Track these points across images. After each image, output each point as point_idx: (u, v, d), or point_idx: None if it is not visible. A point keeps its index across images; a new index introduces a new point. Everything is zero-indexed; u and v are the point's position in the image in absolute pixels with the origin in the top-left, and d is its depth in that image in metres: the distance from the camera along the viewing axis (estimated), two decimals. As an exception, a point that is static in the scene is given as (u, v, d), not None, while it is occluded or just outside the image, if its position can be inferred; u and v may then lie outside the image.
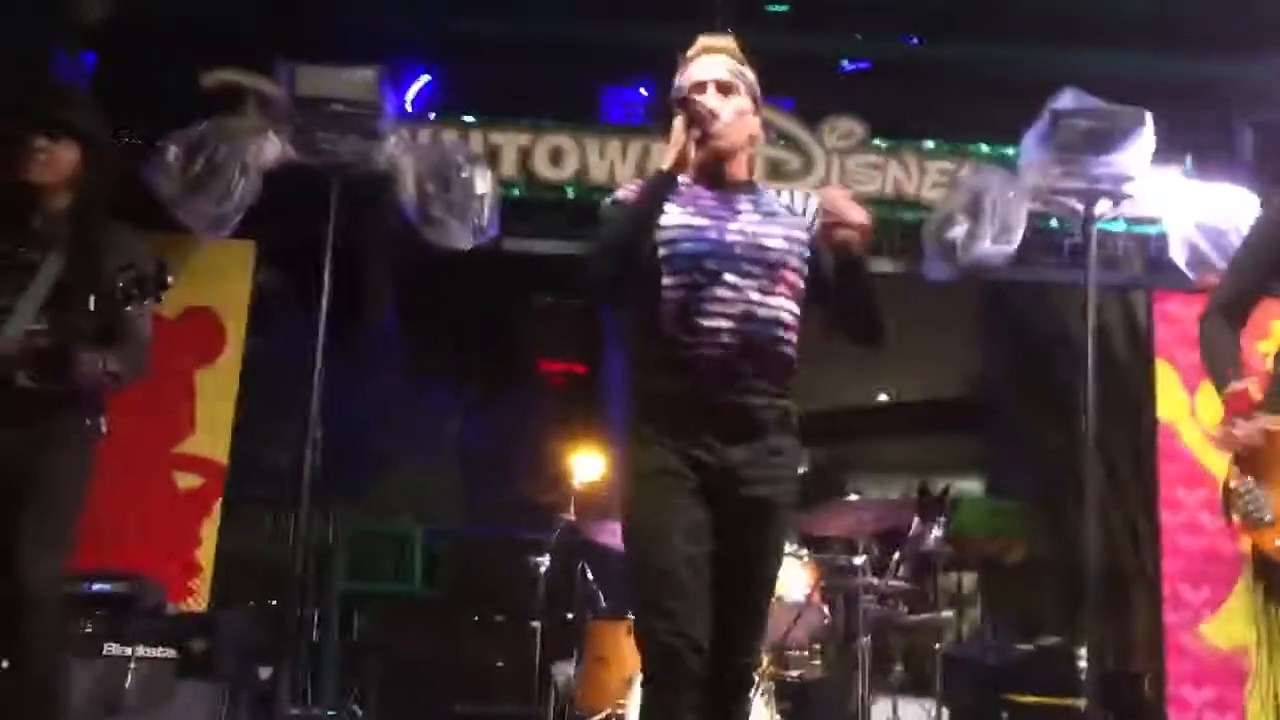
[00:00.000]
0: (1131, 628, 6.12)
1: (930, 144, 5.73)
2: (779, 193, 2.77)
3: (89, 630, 4.27)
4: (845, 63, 6.17)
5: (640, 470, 2.56)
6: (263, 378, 6.23)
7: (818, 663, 4.70)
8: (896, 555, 5.08)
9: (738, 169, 2.72)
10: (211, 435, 5.57)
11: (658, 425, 2.56)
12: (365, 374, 7.89)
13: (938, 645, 5.04)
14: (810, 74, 6.08)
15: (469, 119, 5.74)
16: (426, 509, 7.54)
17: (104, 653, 4.23)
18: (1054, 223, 5.59)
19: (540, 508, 5.81)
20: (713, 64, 2.71)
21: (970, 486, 9.99)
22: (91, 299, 2.85)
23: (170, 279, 2.97)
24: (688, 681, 2.38)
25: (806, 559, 4.82)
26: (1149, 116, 4.90)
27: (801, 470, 2.69)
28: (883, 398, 12.35)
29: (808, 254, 2.66)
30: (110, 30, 5.63)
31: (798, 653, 4.66)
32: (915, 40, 6.16)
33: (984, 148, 5.73)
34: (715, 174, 2.68)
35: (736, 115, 2.67)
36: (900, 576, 5.02)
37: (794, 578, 4.70)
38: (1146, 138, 4.90)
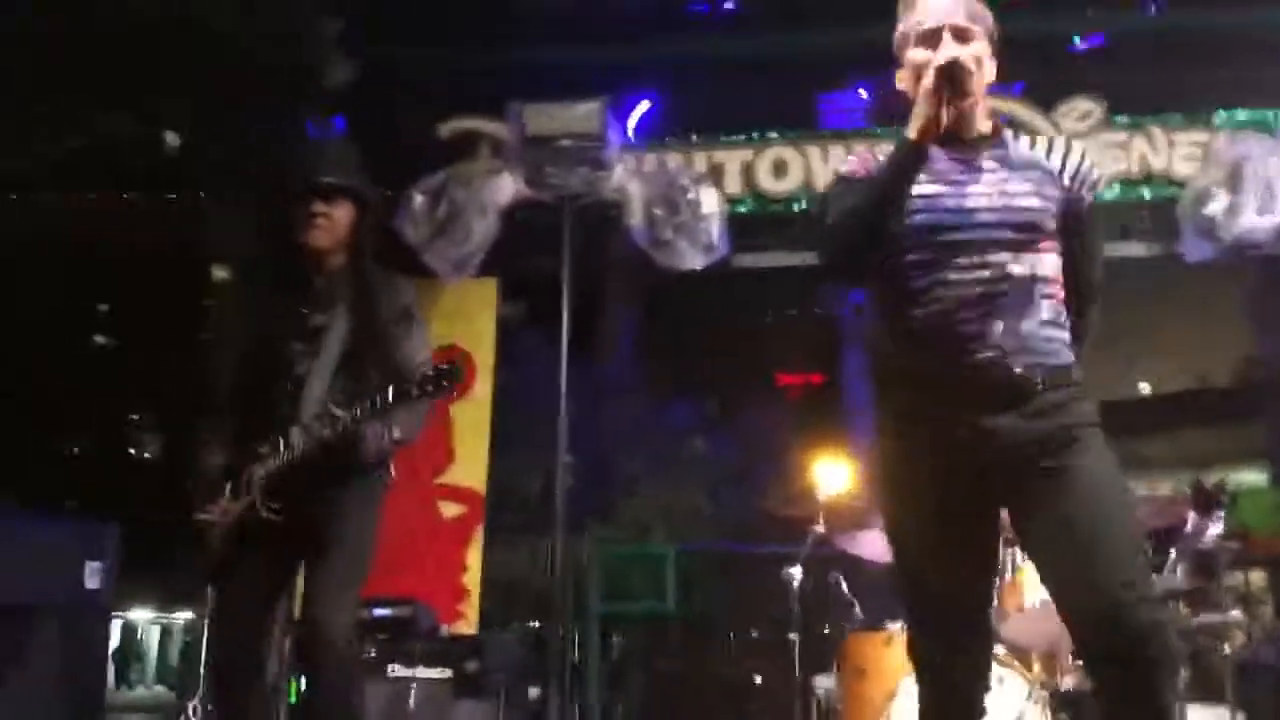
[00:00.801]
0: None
1: (1178, 116, 5.39)
2: (1032, 144, 2.42)
3: (372, 653, 4.54)
4: (1077, 40, 5.89)
5: (889, 464, 2.40)
6: (512, 408, 6.48)
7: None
8: (1172, 554, 4.77)
9: (979, 122, 2.38)
10: (469, 465, 5.85)
11: (905, 412, 2.36)
12: (609, 398, 8.10)
13: (1226, 649, 4.69)
14: (1039, 55, 5.84)
15: (691, 140, 5.81)
16: (676, 527, 7.64)
17: (388, 674, 4.49)
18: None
19: (788, 521, 5.78)
20: (942, 6, 2.36)
21: (1251, 478, 9.28)
22: (389, 391, 2.91)
23: (460, 379, 2.99)
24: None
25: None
26: None
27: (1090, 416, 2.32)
28: (1144, 389, 11.66)
29: (1062, 209, 2.36)
30: (353, 94, 6.03)
31: (1071, 660, 4.43)
32: (1153, 9, 5.82)
33: (1239, 114, 5.34)
34: (955, 132, 2.33)
35: (977, 64, 2.31)
36: (1179, 577, 4.71)
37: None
38: None
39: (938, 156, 2.33)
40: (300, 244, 3.16)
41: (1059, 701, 4.31)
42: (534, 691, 5.38)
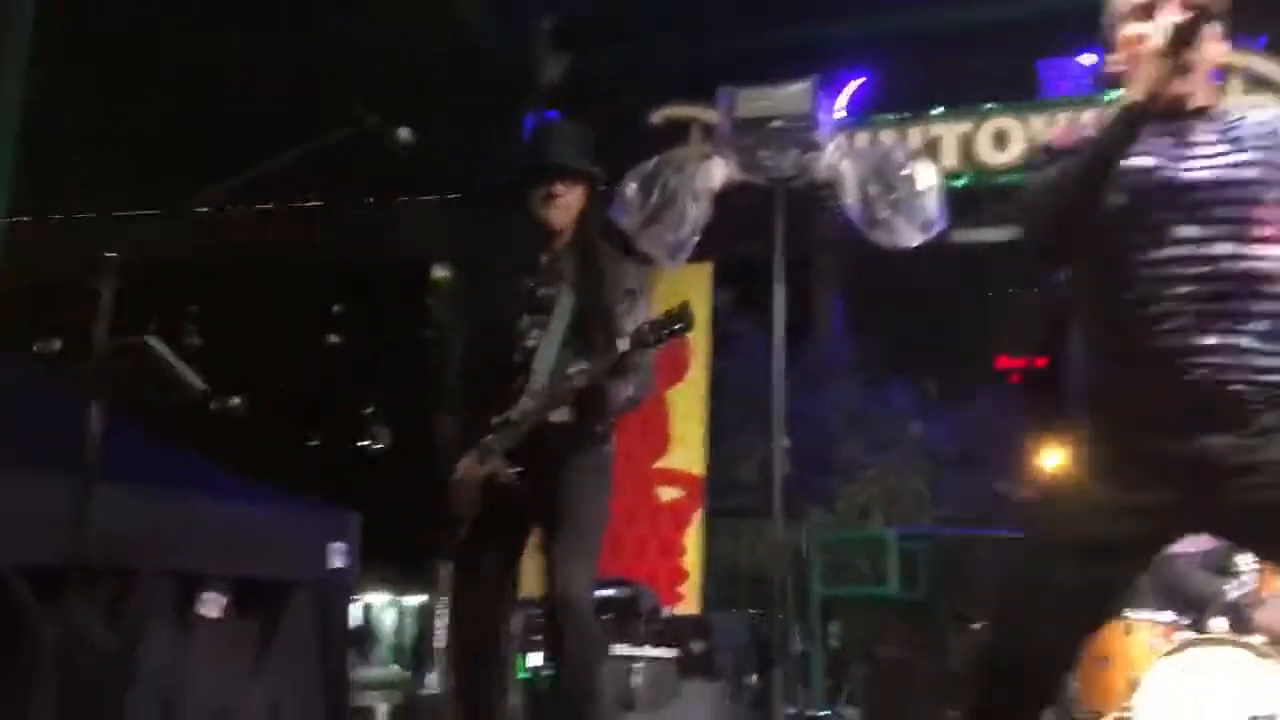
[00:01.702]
0: None
1: None
2: (1255, 113, 2.20)
3: (601, 631, 4.63)
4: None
5: (1085, 474, 2.19)
6: (729, 392, 6.49)
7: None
8: None
9: (1199, 95, 2.18)
10: (686, 450, 5.91)
11: (1108, 420, 2.16)
12: (825, 381, 8.01)
13: None
14: (1285, 5, 5.42)
15: (906, 115, 5.68)
16: (896, 511, 7.49)
17: (614, 653, 4.58)
18: None
19: (1016, 504, 5.59)
20: None
21: None
22: (621, 342, 3.02)
23: (692, 321, 3.07)
24: None
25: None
26: None
27: None
28: None
29: None
30: (568, 87, 6.17)
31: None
32: None
33: None
34: (1171, 104, 2.13)
35: (1210, 33, 2.16)
36: None
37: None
38: None
39: (1148, 130, 2.10)
40: (536, 223, 3.25)
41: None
42: (753, 678, 5.38)
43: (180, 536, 4.14)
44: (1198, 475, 2.05)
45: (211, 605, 4.26)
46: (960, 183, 5.53)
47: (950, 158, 5.53)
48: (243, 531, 4.47)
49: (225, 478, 4.97)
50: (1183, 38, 2.04)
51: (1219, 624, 4.37)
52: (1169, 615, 4.42)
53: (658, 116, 5.79)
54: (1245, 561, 4.45)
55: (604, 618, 4.73)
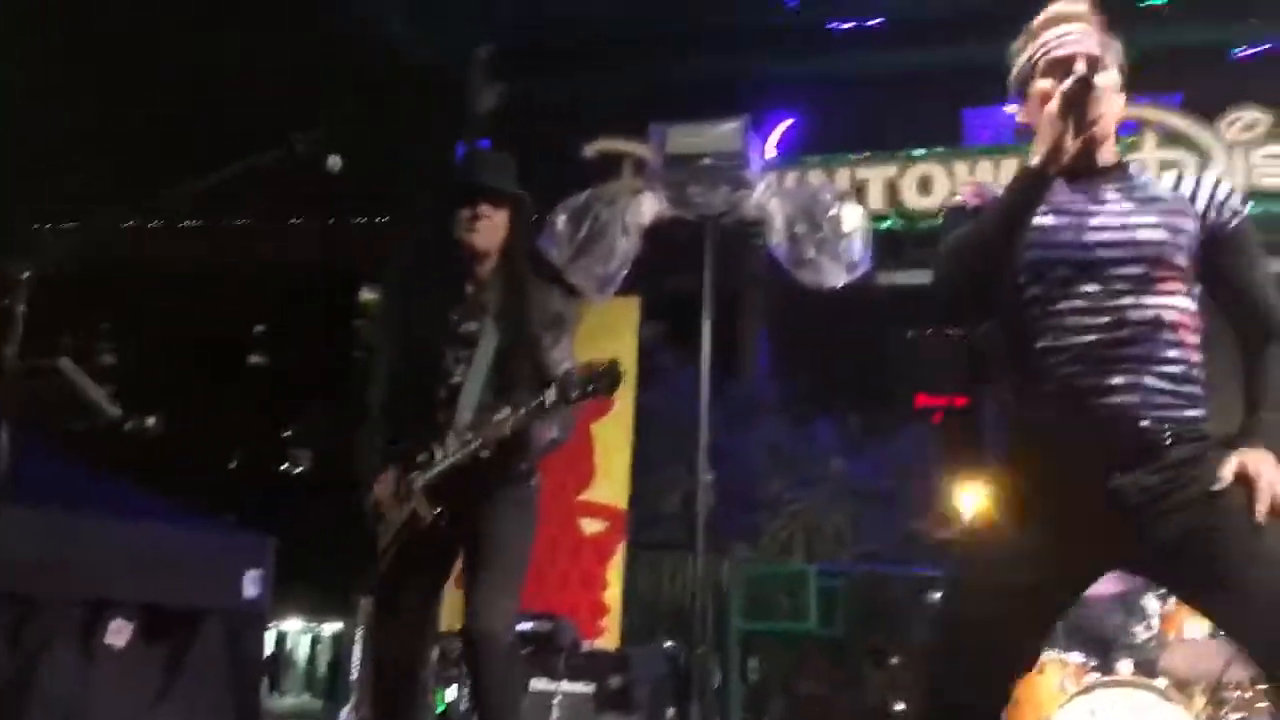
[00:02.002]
0: None
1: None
2: (1160, 177, 2.29)
3: (518, 666, 4.60)
4: (1239, 49, 5.66)
5: (1006, 516, 2.24)
6: (655, 426, 6.51)
7: (1262, 705, 4.23)
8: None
9: (1105, 153, 2.26)
10: (611, 483, 5.90)
11: (1025, 462, 2.22)
12: (750, 417, 8.08)
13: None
14: (1198, 65, 5.64)
15: (834, 157, 5.78)
16: (818, 547, 7.56)
17: (531, 688, 4.55)
18: None
19: (932, 544, 5.67)
20: (1072, 34, 2.25)
21: None
22: (549, 393, 2.99)
23: (620, 381, 3.04)
24: None
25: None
26: None
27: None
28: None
29: (1197, 246, 2.20)
30: (501, 116, 6.18)
31: (1236, 694, 4.22)
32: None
33: None
34: (1078, 163, 2.19)
35: (1111, 92, 2.22)
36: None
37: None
38: None
39: (1057, 188, 2.19)
40: (460, 245, 3.22)
41: (1225, 737, 4.11)
42: (670, 711, 5.37)
43: (88, 562, 4.04)
44: (1111, 513, 2.11)
45: (118, 633, 4.15)
46: (885, 225, 5.63)
47: (876, 201, 5.63)
48: (154, 557, 4.38)
49: (138, 501, 4.86)
50: (1073, 100, 2.09)
51: (1126, 666, 4.46)
52: (1079, 656, 4.49)
53: (591, 150, 5.82)
54: (1153, 604, 4.54)
55: (524, 651, 4.70)
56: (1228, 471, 2.09)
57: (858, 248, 5.38)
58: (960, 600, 2.27)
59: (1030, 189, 2.12)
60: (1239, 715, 4.20)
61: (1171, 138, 5.33)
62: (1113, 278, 2.15)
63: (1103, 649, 4.76)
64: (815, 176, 5.68)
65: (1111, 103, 2.24)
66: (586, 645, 5.08)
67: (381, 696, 3.22)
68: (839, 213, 5.38)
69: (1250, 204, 5.30)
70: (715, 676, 6.15)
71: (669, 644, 6.89)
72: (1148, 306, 2.14)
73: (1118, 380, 2.11)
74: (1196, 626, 4.32)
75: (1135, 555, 2.19)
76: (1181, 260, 2.18)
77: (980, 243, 2.15)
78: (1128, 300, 2.13)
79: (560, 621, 4.89)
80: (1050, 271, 2.17)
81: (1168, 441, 2.11)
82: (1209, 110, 5.34)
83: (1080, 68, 2.13)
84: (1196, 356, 2.20)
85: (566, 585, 5.73)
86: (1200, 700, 4.23)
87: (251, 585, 4.84)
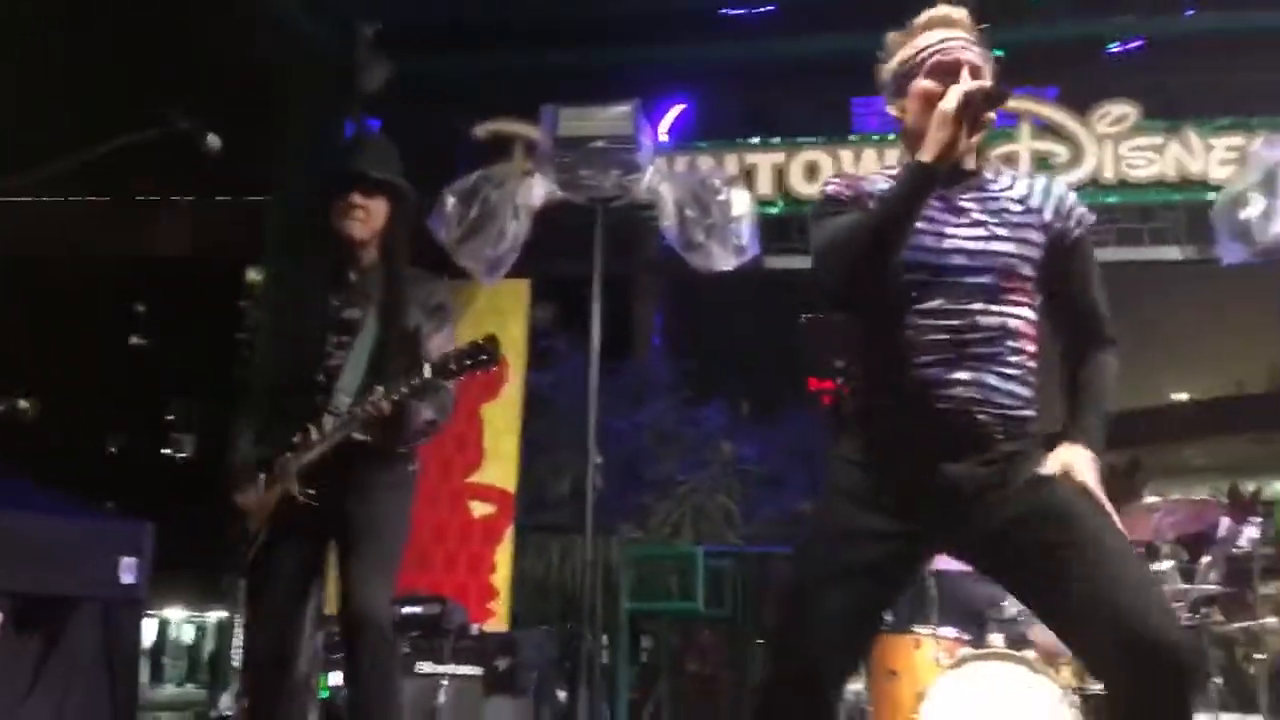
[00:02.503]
0: None
1: (1214, 120, 5.36)
2: (1012, 183, 2.38)
3: (404, 650, 4.57)
4: (1113, 45, 5.86)
5: (832, 501, 2.33)
6: (545, 408, 6.51)
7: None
8: (1206, 559, 4.74)
9: (969, 161, 2.33)
10: (500, 465, 5.89)
11: (853, 443, 2.32)
12: (641, 399, 8.13)
13: (1261, 656, 4.66)
14: (1074, 60, 5.83)
15: (723, 143, 5.83)
16: (707, 529, 7.65)
17: (418, 671, 4.53)
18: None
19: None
20: (956, 40, 2.32)
21: (1288, 486, 9.19)
22: (425, 369, 3.00)
23: (498, 358, 3.06)
24: None
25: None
26: None
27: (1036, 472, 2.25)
28: (1180, 396, 11.58)
29: (1041, 254, 2.32)
30: (390, 94, 6.08)
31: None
32: (1190, 12, 5.78)
33: (1277, 119, 5.31)
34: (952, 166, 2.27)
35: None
36: (1212, 582, 4.68)
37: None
38: None
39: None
40: (337, 235, 3.21)
41: (1089, 706, 4.29)
42: (561, 693, 5.40)
43: (-46, 549, 3.89)
44: (944, 499, 2.22)
45: (-13, 622, 4.02)
46: (773, 211, 5.70)
47: (765, 186, 5.69)
48: (25, 545, 4.23)
49: (11, 486, 4.69)
50: (973, 105, 2.16)
51: (997, 639, 4.63)
52: (952, 630, 4.64)
53: (481, 131, 5.77)
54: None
55: (411, 635, 4.68)
56: (1052, 466, 2.22)
57: (746, 232, 5.46)
58: (801, 574, 2.34)
59: (921, 186, 2.19)
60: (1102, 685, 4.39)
61: (1046, 129, 5.50)
62: (965, 285, 2.25)
63: (976, 623, 4.93)
64: (705, 162, 5.72)
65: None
66: (475, 628, 5.07)
67: (256, 684, 3.19)
68: (728, 198, 5.46)
69: (1119, 194, 5.53)
70: (603, 658, 6.19)
71: (559, 626, 6.92)
72: (994, 314, 2.25)
73: (961, 375, 2.22)
74: (1064, 601, 4.49)
75: (964, 541, 2.29)
76: (1028, 271, 2.30)
77: (865, 237, 2.21)
78: (977, 306, 2.24)
79: (448, 604, 4.87)
80: (908, 274, 2.25)
81: (999, 436, 2.23)
82: (1082, 104, 5.52)
83: (973, 79, 2.22)
84: (1032, 363, 2.31)
85: (455, 568, 5.71)
86: (1067, 671, 4.42)
87: (128, 573, 4.72)
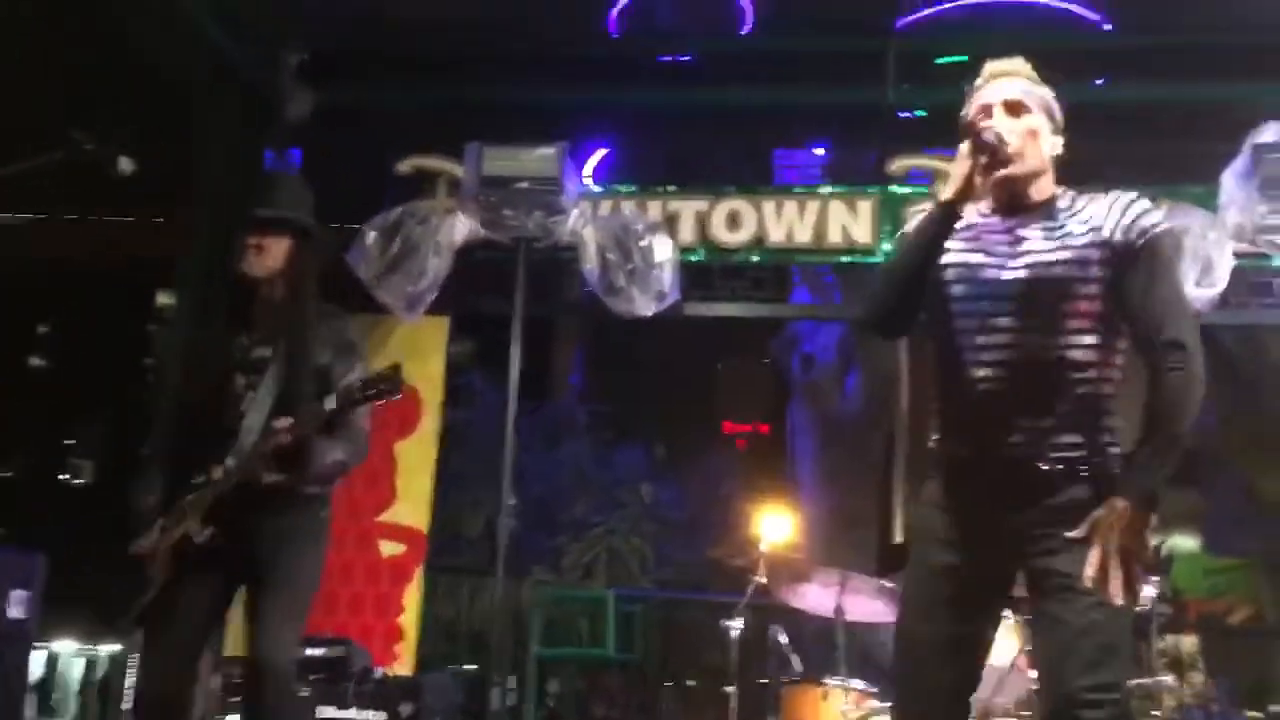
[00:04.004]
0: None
1: (1121, 188, 5.52)
2: (1082, 206, 2.38)
3: (305, 693, 4.46)
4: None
5: (912, 537, 2.41)
6: (461, 448, 6.44)
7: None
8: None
9: (1036, 193, 2.38)
10: (412, 505, 5.79)
11: (933, 488, 2.37)
12: (557, 441, 8.10)
13: (1157, 713, 4.75)
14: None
15: (647, 188, 5.86)
16: (620, 572, 7.63)
17: (318, 716, 4.42)
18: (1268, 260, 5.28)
19: (733, 570, 5.79)
20: (1001, 86, 2.42)
21: (1185, 543, 9.44)
22: (329, 400, 2.96)
23: (403, 383, 3.01)
24: None
25: (1010, 621, 4.63)
26: (1361, 146, 4.61)
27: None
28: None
29: (1110, 274, 2.28)
30: (312, 127, 6.02)
31: (1003, 718, 4.47)
32: (1099, 82, 5.98)
33: (1178, 189, 5.49)
34: (1009, 202, 2.37)
35: (1028, 136, 2.36)
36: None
37: (998, 641, 4.52)
38: (1360, 168, 4.60)
39: (994, 226, 2.37)
40: (237, 274, 3.17)
41: (993, 761, 4.33)
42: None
43: None
44: (1010, 543, 2.26)
45: None
46: (695, 258, 5.73)
47: (687, 233, 5.72)
48: (-94, 576, 4.06)
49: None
50: (979, 147, 2.28)
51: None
52: (860, 683, 4.66)
53: (404, 166, 5.72)
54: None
55: (313, 678, 4.57)
56: (1082, 529, 2.16)
57: (668, 278, 5.48)
58: (906, 617, 2.40)
59: (940, 221, 2.30)
60: (1006, 739, 4.44)
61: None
62: (1023, 313, 2.27)
63: (884, 676, 4.96)
64: (628, 207, 5.74)
65: (1034, 145, 2.38)
66: (379, 672, 4.96)
67: None
68: (650, 243, 5.48)
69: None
70: (510, 701, 6.11)
71: (466, 668, 6.82)
72: (1054, 347, 2.26)
73: (1022, 421, 2.25)
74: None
75: (1026, 580, 2.31)
76: (1092, 292, 2.28)
77: (896, 271, 2.36)
78: (1035, 339, 2.26)
79: (352, 647, 4.77)
80: (970, 306, 2.32)
81: (1061, 482, 2.23)
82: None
83: (1012, 115, 2.35)
84: (1108, 390, 2.30)
85: (361, 609, 5.58)
86: (974, 725, 4.46)
87: (17, 606, 4.57)
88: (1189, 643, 7.33)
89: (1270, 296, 5.43)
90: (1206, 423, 8.66)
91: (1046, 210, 2.37)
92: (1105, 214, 2.33)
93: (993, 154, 2.29)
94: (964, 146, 2.28)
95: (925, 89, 5.99)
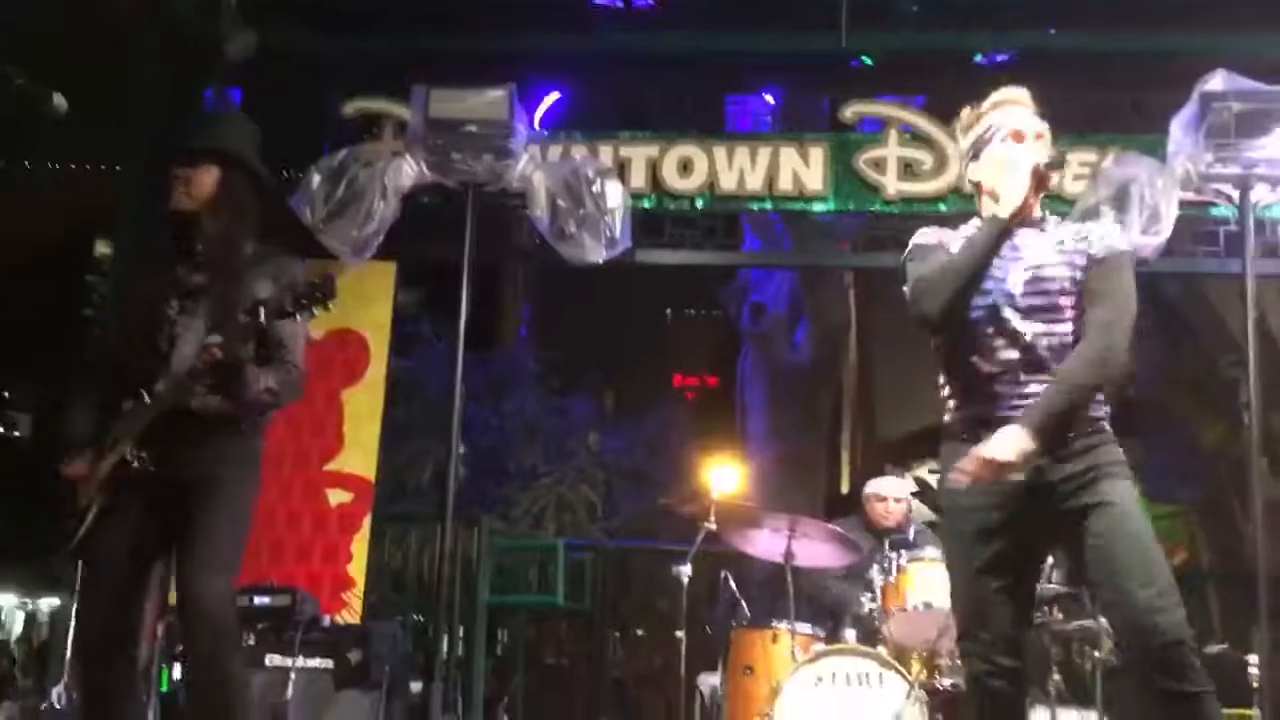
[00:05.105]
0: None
1: (1070, 136, 5.54)
2: (1063, 225, 2.93)
3: (251, 642, 4.42)
4: (980, 57, 6.01)
5: (949, 503, 2.82)
6: (409, 396, 6.37)
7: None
8: (1049, 560, 4.92)
9: (1031, 209, 2.86)
10: (360, 453, 5.73)
11: (954, 451, 2.77)
12: (507, 390, 8.05)
13: (1098, 653, 4.85)
14: (942, 70, 5.96)
15: (598, 134, 5.79)
16: (569, 521, 7.63)
17: (266, 664, 4.38)
18: (1211, 210, 5.35)
19: (681, 518, 5.81)
20: (1022, 114, 2.91)
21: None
22: (259, 312, 2.91)
23: (334, 293, 2.99)
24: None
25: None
26: (1308, 97, 4.64)
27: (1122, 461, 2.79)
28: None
29: (1084, 278, 2.81)
30: (254, 65, 5.86)
31: (949, 661, 4.54)
32: (1052, 31, 5.98)
33: (1127, 137, 5.53)
34: (1020, 221, 2.83)
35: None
36: (1055, 582, 4.86)
37: (943, 584, 4.58)
38: (1306, 118, 4.64)
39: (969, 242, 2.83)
40: (169, 210, 3.16)
41: (937, 701, 4.40)
42: (416, 685, 5.30)
43: None
44: (1034, 491, 2.70)
45: None
46: (646, 204, 5.69)
47: (638, 179, 5.67)
48: None
49: None
50: (1043, 178, 2.78)
51: (850, 635, 4.71)
52: (807, 627, 4.71)
53: (349, 108, 5.61)
54: (877, 576, 4.81)
55: (260, 627, 4.53)
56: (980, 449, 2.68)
57: (619, 225, 5.43)
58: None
59: (1000, 236, 2.78)
60: (951, 680, 4.52)
61: (914, 137, 5.62)
62: (1028, 309, 2.78)
63: (831, 619, 5.02)
64: (579, 152, 5.67)
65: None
66: (327, 620, 4.93)
67: (86, 675, 3.02)
68: (601, 189, 5.41)
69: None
70: (459, 650, 6.11)
71: (416, 617, 6.80)
72: (1055, 334, 2.77)
73: (1033, 388, 2.74)
74: (916, 597, 4.61)
75: (1051, 526, 2.76)
76: (1075, 290, 2.80)
77: (961, 275, 2.78)
78: (1039, 328, 2.77)
79: (299, 595, 4.72)
80: (985, 300, 2.80)
81: (1070, 434, 2.71)
82: (948, 113, 5.64)
83: (1048, 153, 2.83)
84: None
85: (309, 558, 5.54)
86: (917, 665, 4.53)
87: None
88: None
89: (1214, 245, 5.50)
90: (1146, 375, 8.81)
91: (1039, 225, 2.89)
92: (1086, 232, 2.88)
93: (1047, 185, 2.82)
94: (1025, 178, 2.75)
95: (877, 36, 5.96)
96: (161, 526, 3.03)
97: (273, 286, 3.07)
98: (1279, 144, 4.67)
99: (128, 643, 3.06)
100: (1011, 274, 2.80)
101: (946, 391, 2.90)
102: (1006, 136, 2.87)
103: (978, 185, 2.94)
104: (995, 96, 2.96)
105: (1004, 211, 2.76)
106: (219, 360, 2.90)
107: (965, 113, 2.99)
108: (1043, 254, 2.83)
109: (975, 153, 2.92)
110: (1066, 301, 2.79)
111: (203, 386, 2.96)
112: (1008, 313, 2.78)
